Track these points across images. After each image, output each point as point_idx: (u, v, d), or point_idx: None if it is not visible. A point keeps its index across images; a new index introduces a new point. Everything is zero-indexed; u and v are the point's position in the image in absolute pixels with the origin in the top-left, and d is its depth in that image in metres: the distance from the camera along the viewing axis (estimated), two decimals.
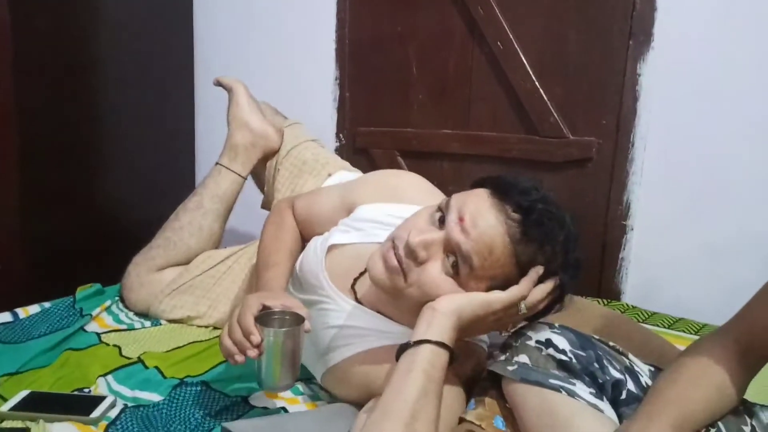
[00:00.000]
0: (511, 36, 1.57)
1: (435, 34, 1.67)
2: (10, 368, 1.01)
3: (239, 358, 0.79)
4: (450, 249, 0.75)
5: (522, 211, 0.74)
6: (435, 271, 0.76)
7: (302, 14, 1.84)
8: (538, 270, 0.75)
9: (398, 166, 1.74)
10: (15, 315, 1.23)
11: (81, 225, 1.70)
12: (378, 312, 0.89)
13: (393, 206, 0.96)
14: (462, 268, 0.74)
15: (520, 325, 0.81)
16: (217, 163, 1.39)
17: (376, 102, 1.78)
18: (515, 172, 0.83)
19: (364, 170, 1.76)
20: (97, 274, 1.45)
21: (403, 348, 0.74)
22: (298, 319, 0.81)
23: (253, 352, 0.78)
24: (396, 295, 0.79)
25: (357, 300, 0.91)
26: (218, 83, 1.45)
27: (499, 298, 0.75)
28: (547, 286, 0.76)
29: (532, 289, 0.75)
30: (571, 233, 0.76)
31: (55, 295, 1.35)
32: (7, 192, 1.58)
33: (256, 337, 0.78)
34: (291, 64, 1.88)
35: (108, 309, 1.31)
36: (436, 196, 0.97)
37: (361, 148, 1.81)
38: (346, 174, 1.34)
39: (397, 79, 1.73)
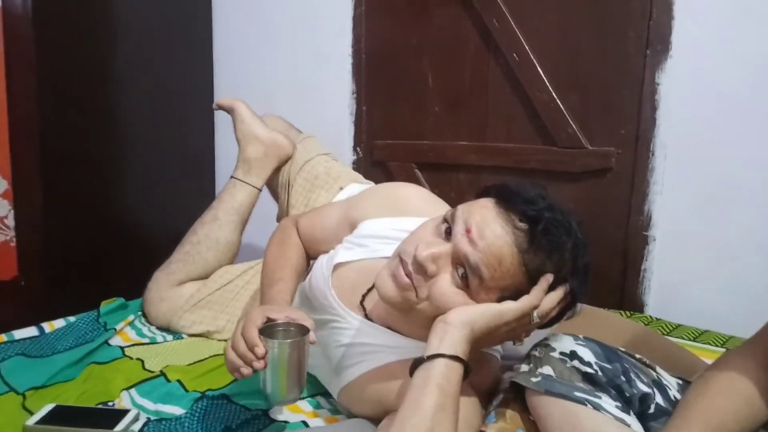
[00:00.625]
0: (526, 47, 1.57)
1: (450, 47, 1.68)
2: (36, 382, 1.03)
3: (245, 370, 0.78)
4: (458, 261, 0.75)
5: (529, 220, 0.73)
6: (445, 284, 0.75)
7: (319, 29, 1.87)
8: (548, 278, 0.74)
9: (415, 179, 1.74)
10: (41, 329, 1.25)
11: (102, 238, 1.73)
12: (388, 327, 0.89)
13: (396, 220, 0.96)
14: (472, 279, 0.74)
15: (540, 336, 0.81)
16: (231, 177, 1.41)
17: (392, 115, 1.79)
18: (521, 180, 0.82)
19: (381, 183, 1.77)
20: (118, 287, 1.47)
21: (416, 363, 0.73)
22: (303, 331, 0.81)
23: (258, 364, 0.77)
24: (407, 311, 0.79)
25: (366, 316, 0.91)
26: (219, 107, 1.47)
27: (511, 308, 0.74)
28: (558, 293, 0.75)
29: (543, 298, 0.74)
30: (579, 239, 0.75)
31: (75, 307, 1.37)
32: (30, 207, 1.63)
33: (260, 349, 0.77)
34: (308, 78, 1.91)
35: (131, 323, 1.32)
36: (440, 207, 0.97)
37: (379, 160, 1.82)
38: (357, 187, 1.34)
39: (413, 92, 1.74)
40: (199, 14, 2.00)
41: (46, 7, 1.53)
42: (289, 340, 0.80)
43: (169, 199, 1.89)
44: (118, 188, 1.78)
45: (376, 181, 1.47)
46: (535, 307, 0.74)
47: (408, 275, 0.76)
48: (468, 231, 0.74)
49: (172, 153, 1.90)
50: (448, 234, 0.77)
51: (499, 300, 0.75)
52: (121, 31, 1.73)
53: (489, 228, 0.73)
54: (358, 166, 1.84)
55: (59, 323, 1.28)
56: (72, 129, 1.64)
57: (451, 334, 0.72)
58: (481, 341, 0.76)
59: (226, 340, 1.27)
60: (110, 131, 1.74)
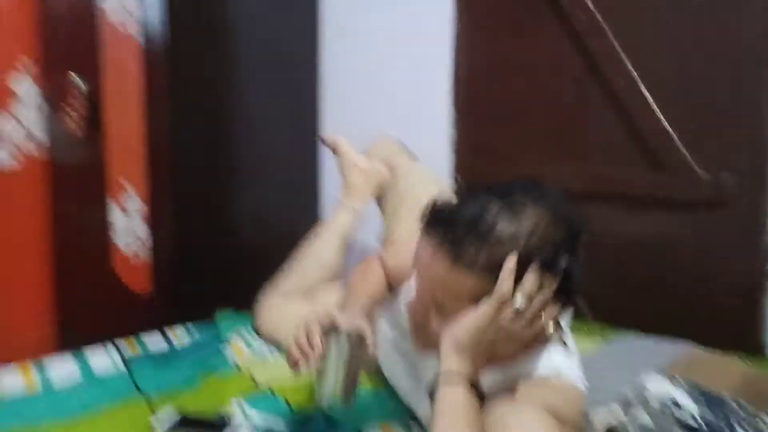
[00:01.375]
0: (632, 69, 1.51)
1: (551, 71, 1.66)
2: (162, 388, 1.15)
3: (302, 364, 0.86)
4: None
5: (442, 228, 0.74)
6: (436, 323, 0.79)
7: (418, 58, 1.93)
8: (509, 261, 0.71)
9: None
10: (167, 339, 1.40)
11: (222, 256, 1.92)
12: None
13: None
14: (438, 308, 0.77)
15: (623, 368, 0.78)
16: (336, 201, 1.52)
17: (491, 141, 1.80)
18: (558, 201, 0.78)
19: None
20: (236, 300, 1.61)
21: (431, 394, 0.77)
22: (363, 339, 0.87)
23: (315, 360, 0.84)
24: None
25: None
26: (323, 141, 1.60)
27: (483, 306, 0.74)
28: (533, 272, 0.72)
29: (511, 282, 0.72)
30: (524, 213, 0.73)
31: (199, 318, 1.53)
32: (162, 227, 1.85)
33: (319, 347, 0.84)
34: (408, 106, 1.97)
35: (243, 336, 1.44)
36: None
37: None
38: None
39: (513, 117, 1.74)
40: (307, 49, 2.16)
41: (179, 48, 1.75)
42: (347, 342, 0.85)
43: (282, 221, 2.05)
44: (236, 212, 1.97)
45: None
46: (509, 292, 0.72)
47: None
48: (416, 268, 0.79)
49: (285, 180, 2.07)
50: None
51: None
52: (241, 70, 1.93)
53: (422, 257, 0.77)
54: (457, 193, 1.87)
55: (183, 334, 1.43)
56: (198, 160, 1.85)
57: (442, 356, 0.76)
58: (483, 350, 0.76)
59: None
60: (231, 161, 1.94)
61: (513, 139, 1.75)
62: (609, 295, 1.56)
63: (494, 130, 1.79)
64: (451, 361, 0.75)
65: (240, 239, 1.98)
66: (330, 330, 0.87)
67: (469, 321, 0.75)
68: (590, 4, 1.55)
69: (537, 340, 0.79)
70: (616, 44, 1.53)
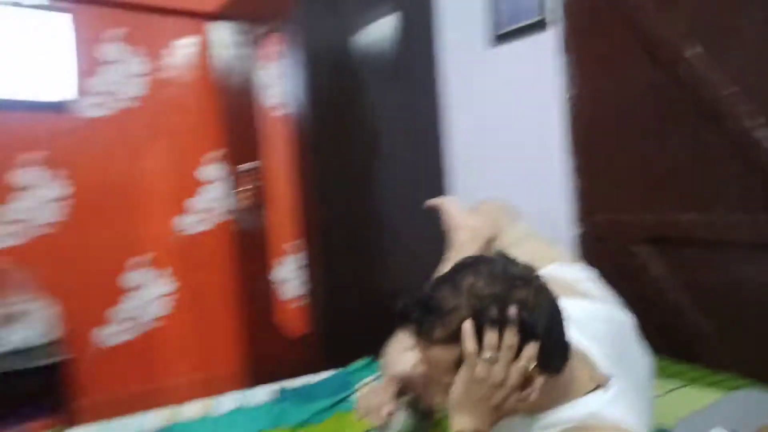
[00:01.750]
0: (749, 111, 1.43)
1: (665, 116, 1.63)
2: (299, 419, 1.38)
3: (366, 421, 0.99)
4: None
5: (408, 320, 0.85)
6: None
7: (536, 114, 2.02)
8: (464, 326, 0.80)
9: (637, 255, 1.69)
10: (309, 379, 1.64)
11: (363, 306, 2.16)
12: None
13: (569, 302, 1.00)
14: (444, 386, 0.86)
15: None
16: (444, 258, 1.63)
17: (612, 189, 1.79)
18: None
19: (602, 260, 1.77)
20: (378, 346, 1.82)
21: None
22: (428, 412, 0.96)
23: (379, 421, 0.97)
24: None
25: None
26: (430, 207, 1.72)
27: (461, 370, 0.82)
28: (488, 326, 0.80)
29: (473, 342, 0.79)
30: (466, 283, 0.82)
31: (340, 362, 1.75)
32: (316, 280, 2.15)
33: (386, 410, 0.98)
34: (527, 157, 2.06)
35: (372, 382, 1.62)
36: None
37: (600, 236, 1.82)
38: (552, 269, 1.40)
39: (631, 168, 1.73)
40: (433, 120, 2.39)
41: (322, 124, 2.10)
42: (409, 417, 0.97)
43: (418, 275, 2.25)
44: (376, 266, 2.21)
45: (597, 259, 1.50)
46: (474, 351, 0.80)
47: None
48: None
49: (420, 237, 2.27)
50: None
51: None
52: (375, 144, 2.22)
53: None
54: (580, 243, 1.87)
55: (323, 375, 1.67)
56: (341, 220, 2.14)
57: (450, 421, 0.85)
58: (480, 405, 0.82)
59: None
60: (373, 223, 2.21)
61: (632, 189, 1.73)
62: (745, 347, 1.44)
63: (615, 180, 1.78)
64: (455, 422, 0.84)
65: (381, 292, 2.21)
66: (402, 395, 1.00)
67: (457, 382, 0.84)
68: (694, 51, 1.52)
69: (531, 385, 0.83)
70: (727, 88, 1.46)
